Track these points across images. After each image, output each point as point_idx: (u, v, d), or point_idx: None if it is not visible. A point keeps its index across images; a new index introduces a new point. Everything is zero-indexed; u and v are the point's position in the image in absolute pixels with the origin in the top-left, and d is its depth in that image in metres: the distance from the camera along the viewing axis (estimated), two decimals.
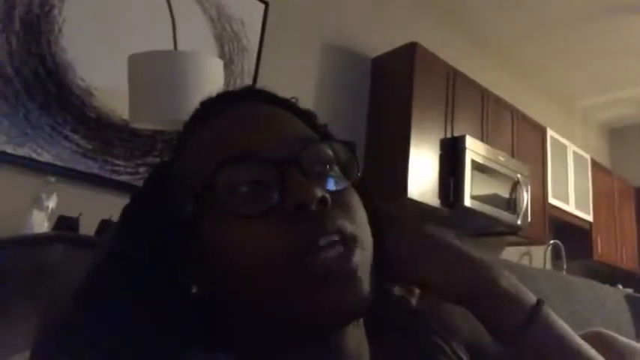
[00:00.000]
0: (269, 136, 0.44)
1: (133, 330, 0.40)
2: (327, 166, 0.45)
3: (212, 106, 0.51)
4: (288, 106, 0.52)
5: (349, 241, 0.41)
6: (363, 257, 0.42)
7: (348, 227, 0.41)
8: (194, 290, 0.44)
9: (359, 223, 0.43)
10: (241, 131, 0.45)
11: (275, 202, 0.40)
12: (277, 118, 0.48)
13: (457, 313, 0.56)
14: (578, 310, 1.72)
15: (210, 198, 0.42)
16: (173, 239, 0.44)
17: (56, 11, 1.94)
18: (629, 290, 2.86)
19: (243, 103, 0.49)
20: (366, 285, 0.41)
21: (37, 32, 1.89)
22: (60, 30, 1.94)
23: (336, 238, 0.40)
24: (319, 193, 0.40)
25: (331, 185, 0.43)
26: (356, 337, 0.45)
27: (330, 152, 0.45)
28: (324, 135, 0.51)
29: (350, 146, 0.47)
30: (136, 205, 0.49)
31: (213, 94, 0.53)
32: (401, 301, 0.54)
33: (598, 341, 0.70)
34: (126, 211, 0.49)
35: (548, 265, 3.94)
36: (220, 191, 0.41)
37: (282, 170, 0.41)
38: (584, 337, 0.47)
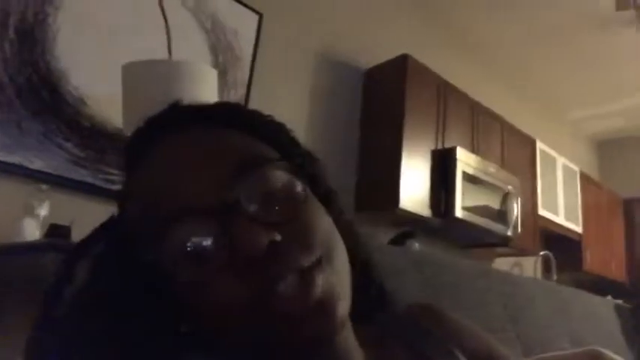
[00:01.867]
0: (204, 181, 0.40)
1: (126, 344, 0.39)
2: (274, 190, 0.41)
3: (140, 144, 0.46)
4: (225, 120, 0.47)
5: (307, 272, 0.39)
6: (331, 274, 0.40)
7: (306, 259, 0.39)
8: (184, 329, 0.42)
9: (322, 239, 0.41)
10: (173, 181, 0.41)
11: (224, 258, 0.38)
12: (212, 150, 0.43)
13: (463, 322, 0.57)
14: (570, 320, 1.73)
15: (161, 259, 0.40)
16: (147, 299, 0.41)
17: (50, 20, 1.94)
18: (619, 301, 2.89)
19: (171, 136, 0.45)
20: (340, 302, 0.40)
21: (32, 41, 1.89)
22: (54, 38, 1.94)
23: (293, 275, 0.38)
24: (265, 239, 0.38)
25: (280, 217, 0.40)
26: (346, 346, 0.45)
27: (276, 173, 0.42)
28: (275, 139, 0.47)
29: (300, 153, 0.44)
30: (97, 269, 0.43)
31: (141, 123, 0.48)
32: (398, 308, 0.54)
33: None
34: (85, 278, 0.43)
35: (539, 276, 3.95)
36: (165, 262, 0.39)
37: (221, 219, 0.38)
38: (582, 355, 0.46)
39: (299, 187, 0.42)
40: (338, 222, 0.46)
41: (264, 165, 0.41)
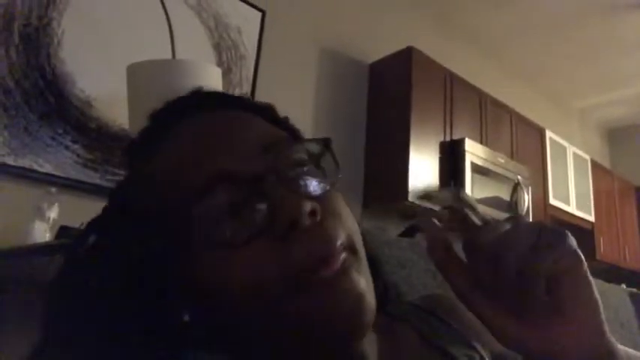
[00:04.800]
0: (238, 150, 0.40)
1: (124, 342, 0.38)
2: (306, 168, 0.41)
3: (164, 123, 0.46)
4: (245, 105, 0.48)
5: (347, 256, 0.38)
6: (362, 266, 0.39)
7: (343, 238, 0.38)
8: (186, 318, 0.40)
9: (351, 228, 0.40)
10: (207, 150, 0.41)
11: (262, 224, 0.37)
12: (241, 125, 0.43)
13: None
14: None
15: (187, 231, 0.38)
16: (152, 277, 0.40)
17: (55, 24, 1.95)
18: (634, 289, 2.86)
19: (198, 114, 0.45)
20: (371, 299, 0.38)
21: (37, 45, 1.90)
22: (59, 42, 1.95)
23: (334, 252, 0.37)
24: (308, 206, 0.37)
25: (315, 190, 0.40)
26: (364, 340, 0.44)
27: (307, 151, 0.42)
28: (292, 130, 0.48)
29: (325, 143, 0.43)
30: (99, 245, 0.42)
31: (160, 106, 0.47)
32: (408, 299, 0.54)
33: None
34: (84, 253, 0.42)
35: None
36: (199, 224, 0.37)
37: (261, 186, 0.38)
38: None
39: (332, 165, 0.42)
40: None
41: (297, 142, 0.42)
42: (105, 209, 0.46)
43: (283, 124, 0.48)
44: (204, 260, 0.38)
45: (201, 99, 0.48)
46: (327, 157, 0.43)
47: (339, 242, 0.37)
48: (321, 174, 0.41)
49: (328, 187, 0.41)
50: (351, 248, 0.39)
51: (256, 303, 0.36)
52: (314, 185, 0.40)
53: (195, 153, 0.41)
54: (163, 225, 0.40)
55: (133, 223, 0.42)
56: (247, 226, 0.37)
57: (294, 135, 0.48)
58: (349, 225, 0.40)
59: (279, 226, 0.36)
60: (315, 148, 0.42)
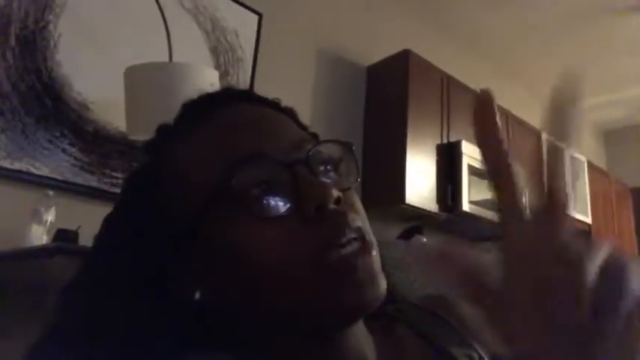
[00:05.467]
0: (275, 138, 0.44)
1: (130, 336, 0.40)
2: (332, 166, 0.45)
3: (200, 108, 0.49)
4: (275, 106, 0.52)
5: (365, 238, 0.42)
6: (377, 253, 0.43)
7: (363, 225, 0.42)
8: (197, 296, 0.42)
9: (367, 222, 0.44)
10: (245, 132, 0.45)
11: (292, 204, 0.40)
12: (275, 119, 0.48)
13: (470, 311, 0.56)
14: None
15: (221, 201, 0.41)
16: (173, 247, 0.43)
17: (51, 27, 1.95)
18: None
19: (234, 105, 0.49)
20: (383, 281, 0.42)
21: (33, 48, 1.90)
22: (55, 45, 1.95)
23: (354, 236, 0.41)
24: (335, 193, 0.41)
25: (340, 184, 0.44)
26: (358, 334, 0.45)
27: (332, 152, 0.46)
28: (313, 135, 0.51)
29: (347, 146, 0.47)
30: (126, 214, 0.46)
31: (195, 96, 0.51)
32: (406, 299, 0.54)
33: None
34: (113, 222, 0.46)
35: None
36: (235, 194, 0.40)
37: (294, 172, 0.41)
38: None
39: (353, 165, 0.46)
40: None
41: (323, 142, 0.46)
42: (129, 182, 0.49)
43: (305, 129, 0.52)
44: (234, 231, 0.41)
45: (236, 94, 0.52)
46: (348, 158, 0.47)
47: (358, 224, 0.42)
48: (344, 172, 0.46)
49: (351, 184, 0.45)
50: (367, 234, 0.42)
51: (280, 275, 0.40)
52: (338, 181, 0.44)
53: (237, 133, 0.45)
54: (201, 193, 0.42)
55: (165, 191, 0.45)
56: (279, 204, 0.41)
57: (316, 139, 0.51)
58: (364, 216, 0.45)
59: (308, 206, 0.40)
60: (338, 149, 0.46)
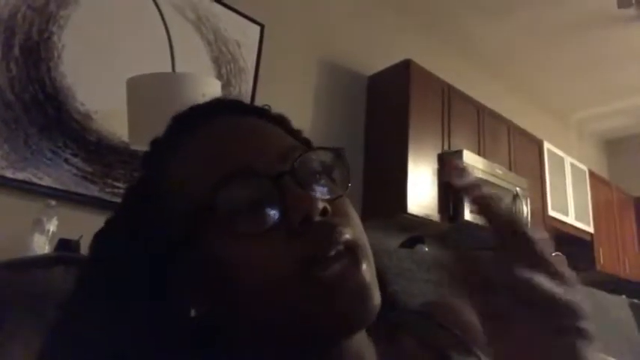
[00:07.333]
0: (262, 150, 0.43)
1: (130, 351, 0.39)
2: (319, 175, 0.44)
3: (189, 122, 0.48)
4: (264, 115, 0.51)
5: (356, 250, 0.41)
6: (369, 264, 0.41)
7: (352, 236, 0.41)
8: (192, 314, 0.42)
9: (359, 231, 0.43)
10: (232, 146, 0.44)
11: (277, 218, 0.40)
12: (262, 130, 0.47)
13: (469, 313, 0.56)
14: None
15: (207, 218, 0.41)
16: (168, 262, 0.42)
17: (55, 38, 1.97)
18: (634, 300, 2.84)
19: (221, 117, 0.48)
20: (376, 292, 0.41)
21: (37, 58, 1.91)
22: (59, 56, 1.96)
23: (342, 248, 0.40)
24: (320, 204, 0.40)
25: (327, 194, 0.43)
26: (359, 342, 0.45)
27: (321, 160, 0.45)
28: (304, 141, 0.51)
29: (338, 153, 0.46)
30: (116, 232, 0.46)
31: (185, 108, 0.50)
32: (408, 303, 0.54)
33: None
34: (104, 238, 0.46)
35: None
36: (221, 211, 0.40)
37: (279, 184, 0.40)
38: None
39: (345, 172, 0.45)
40: None
41: (312, 151, 0.45)
42: (126, 198, 0.48)
43: (297, 135, 0.51)
44: (221, 247, 0.40)
45: (224, 105, 0.51)
46: (339, 165, 0.45)
47: (346, 236, 0.40)
48: (333, 181, 0.45)
49: (340, 193, 0.44)
50: (357, 245, 0.41)
51: (268, 291, 0.39)
52: (326, 190, 0.43)
53: (222, 146, 0.44)
54: (187, 210, 0.42)
55: (155, 208, 0.45)
56: (263, 219, 0.40)
57: (307, 145, 0.50)
58: (357, 225, 0.43)
59: (293, 219, 0.39)
60: (328, 156, 0.45)
